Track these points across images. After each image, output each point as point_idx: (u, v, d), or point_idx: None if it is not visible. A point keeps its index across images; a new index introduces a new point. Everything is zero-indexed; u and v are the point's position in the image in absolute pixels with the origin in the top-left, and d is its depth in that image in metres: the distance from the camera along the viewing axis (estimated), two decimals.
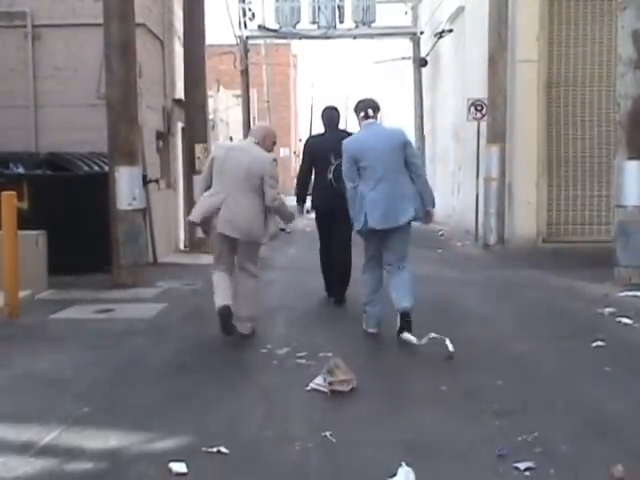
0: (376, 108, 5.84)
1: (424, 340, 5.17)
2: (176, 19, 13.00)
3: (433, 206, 5.71)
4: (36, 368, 4.77)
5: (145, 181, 9.01)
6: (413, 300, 5.57)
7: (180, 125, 13.12)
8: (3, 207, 6.39)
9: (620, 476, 3.05)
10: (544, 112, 12.01)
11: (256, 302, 5.75)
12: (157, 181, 10.95)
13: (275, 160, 5.67)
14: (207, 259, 11.34)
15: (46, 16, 10.10)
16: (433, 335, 5.16)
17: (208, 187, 5.57)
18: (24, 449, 3.36)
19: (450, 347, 4.99)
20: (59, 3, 10.11)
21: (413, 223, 5.69)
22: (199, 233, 11.99)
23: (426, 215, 5.73)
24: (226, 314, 5.43)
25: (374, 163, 5.54)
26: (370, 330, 5.76)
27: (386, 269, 5.70)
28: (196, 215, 5.59)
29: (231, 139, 23.27)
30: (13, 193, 6.52)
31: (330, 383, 4.18)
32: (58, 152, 9.57)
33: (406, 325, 5.44)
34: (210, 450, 3.31)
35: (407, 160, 5.59)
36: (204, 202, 5.53)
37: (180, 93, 12.71)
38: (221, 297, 5.50)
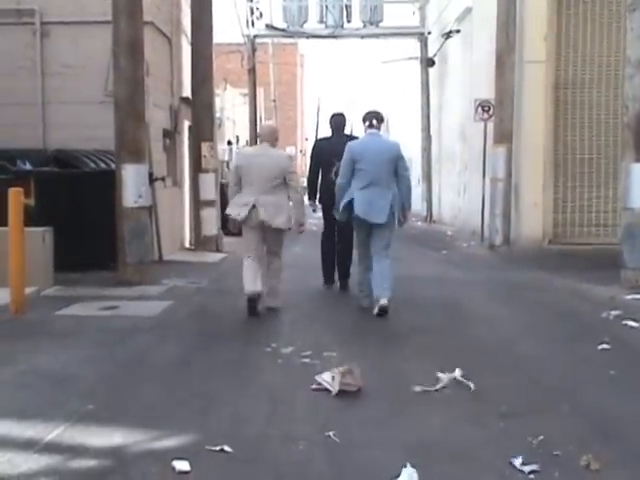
0: (380, 119, 6.80)
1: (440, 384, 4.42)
2: (184, 17, 13.00)
3: (409, 209, 6.83)
4: (41, 364, 4.78)
5: (151, 179, 9.03)
6: (390, 292, 6.45)
7: (187, 123, 13.13)
8: (10, 204, 6.41)
9: (596, 467, 3.11)
10: (551, 113, 11.98)
11: (281, 279, 6.75)
12: (163, 179, 10.97)
13: (290, 157, 6.76)
14: (212, 257, 11.41)
15: (54, 13, 10.13)
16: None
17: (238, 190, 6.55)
18: (28, 445, 3.36)
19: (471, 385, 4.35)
20: (68, 0, 10.12)
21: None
22: (206, 232, 12.10)
23: (404, 217, 6.76)
24: (254, 299, 6.37)
25: (368, 168, 6.50)
26: (365, 306, 6.69)
27: (373, 256, 6.63)
28: (234, 212, 6.46)
29: (237, 138, 23.31)
30: (20, 189, 6.54)
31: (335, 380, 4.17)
32: (65, 149, 9.60)
33: (382, 313, 6.35)
34: (213, 449, 3.31)
35: (398, 171, 6.60)
36: (237, 201, 6.46)
37: (187, 91, 12.72)
38: (251, 283, 6.38)
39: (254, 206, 6.34)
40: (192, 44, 12.39)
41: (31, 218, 6.90)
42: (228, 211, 6.58)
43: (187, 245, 13.09)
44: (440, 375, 4.41)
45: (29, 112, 10.05)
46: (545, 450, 3.32)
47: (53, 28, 10.15)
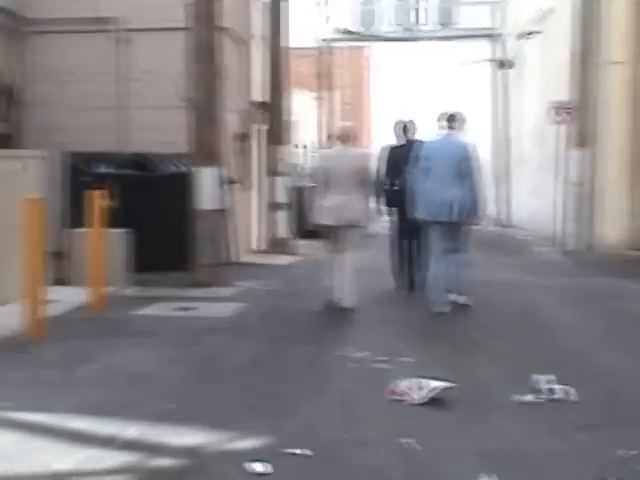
0: (456, 120, 6.88)
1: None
2: (257, 22, 13.16)
3: (480, 212, 6.76)
4: (120, 363, 4.91)
5: (228, 182, 9.15)
6: (456, 292, 6.72)
7: (258, 127, 13.27)
8: (92, 206, 6.61)
9: None
10: (634, 115, 11.53)
11: (358, 276, 6.83)
12: (239, 182, 11.11)
13: (370, 155, 7.28)
14: (285, 260, 11.49)
15: (135, 20, 10.38)
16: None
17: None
18: (108, 443, 3.44)
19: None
20: (148, 8, 10.38)
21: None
22: (279, 234, 12.22)
23: (471, 218, 6.72)
24: (334, 304, 6.65)
25: (436, 167, 6.61)
26: (437, 310, 6.54)
27: (444, 256, 6.67)
28: (323, 219, 6.70)
29: (309, 141, 23.44)
30: (103, 192, 6.73)
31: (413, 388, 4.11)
32: (142, 152, 9.83)
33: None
34: (289, 451, 3.31)
35: (467, 171, 6.59)
36: (324, 205, 6.65)
37: (258, 95, 12.86)
38: (329, 278, 6.72)
39: (340, 206, 6.58)
40: (268, 49, 12.53)
41: (111, 220, 7.09)
42: (316, 218, 6.79)
43: (258, 247, 13.23)
44: (554, 387, 4.26)
45: (108, 116, 10.33)
46: (627, 464, 3.18)
47: (133, 35, 10.41)
